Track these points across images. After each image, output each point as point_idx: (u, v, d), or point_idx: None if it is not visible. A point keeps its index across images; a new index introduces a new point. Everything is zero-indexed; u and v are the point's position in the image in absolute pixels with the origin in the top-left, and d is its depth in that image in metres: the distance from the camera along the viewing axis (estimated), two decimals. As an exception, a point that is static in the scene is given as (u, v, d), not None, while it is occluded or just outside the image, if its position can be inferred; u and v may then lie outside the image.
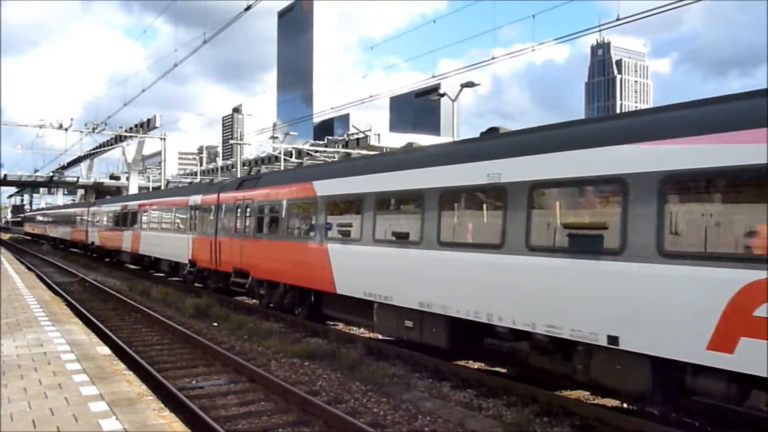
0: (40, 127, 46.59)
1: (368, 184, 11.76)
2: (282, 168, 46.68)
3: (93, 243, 37.41)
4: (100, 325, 13.86)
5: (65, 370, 7.60)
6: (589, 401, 8.68)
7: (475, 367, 10.67)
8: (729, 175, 6.29)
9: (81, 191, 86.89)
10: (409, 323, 10.59)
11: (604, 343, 7.17)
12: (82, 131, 49.37)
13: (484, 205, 9.68)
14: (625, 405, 8.47)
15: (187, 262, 21.78)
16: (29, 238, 74.89)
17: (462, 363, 10.73)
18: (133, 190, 57.42)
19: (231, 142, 58.84)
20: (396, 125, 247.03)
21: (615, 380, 7.43)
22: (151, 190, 61.67)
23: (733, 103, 6.67)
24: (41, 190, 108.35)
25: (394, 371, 10.30)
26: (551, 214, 8.55)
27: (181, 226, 22.91)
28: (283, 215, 15.05)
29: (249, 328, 14.02)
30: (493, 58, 19.29)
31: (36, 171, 73.46)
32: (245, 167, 55.98)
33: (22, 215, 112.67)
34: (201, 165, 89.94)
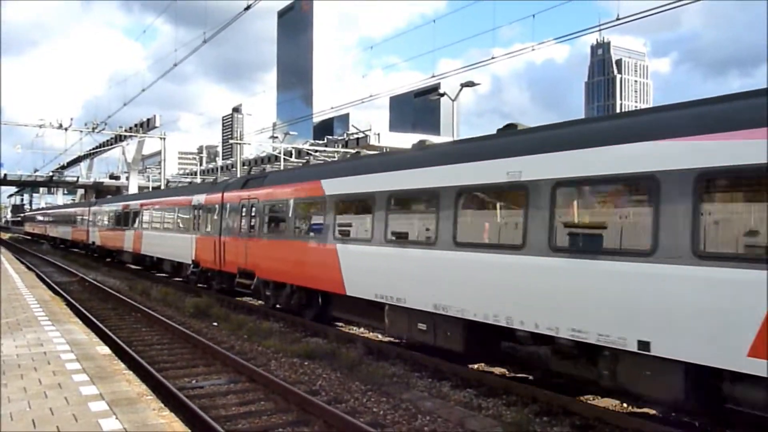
0: (40, 126, 46.60)
1: (380, 183, 11.41)
2: (282, 167, 46.65)
3: (94, 243, 37.15)
4: (100, 325, 13.85)
5: (65, 370, 7.59)
6: (589, 401, 8.68)
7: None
8: None
9: (81, 191, 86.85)
10: (422, 326, 10.25)
11: (633, 348, 6.84)
12: (81, 131, 49.35)
13: (504, 204, 9.42)
14: (625, 405, 8.48)
15: (190, 262, 21.52)
16: (29, 237, 74.88)
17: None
18: (133, 189, 57.41)
19: (231, 141, 58.86)
20: (396, 125, 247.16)
21: (645, 387, 7.09)
22: (151, 189, 61.63)
23: None
24: (41, 189, 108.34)
25: (393, 371, 10.30)
26: (576, 214, 8.26)
27: (184, 225, 22.72)
28: (290, 215, 14.77)
29: (249, 327, 14.01)
30: (492, 58, 19.30)
31: (36, 171, 73.48)
32: (245, 167, 55.95)
33: (22, 215, 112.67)
34: (201, 165, 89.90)
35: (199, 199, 21.07)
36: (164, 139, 52.20)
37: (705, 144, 6.44)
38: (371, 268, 11.49)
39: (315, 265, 13.38)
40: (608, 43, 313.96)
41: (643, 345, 6.76)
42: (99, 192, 70.50)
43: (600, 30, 16.96)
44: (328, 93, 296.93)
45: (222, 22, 20.45)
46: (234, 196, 18.23)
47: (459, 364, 10.13)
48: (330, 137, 69.76)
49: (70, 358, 8.26)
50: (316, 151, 55.66)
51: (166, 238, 24.45)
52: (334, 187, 13.00)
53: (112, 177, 76.46)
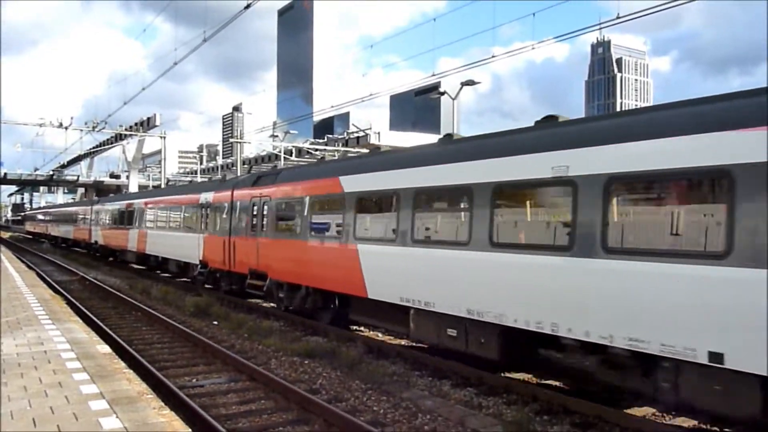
0: (40, 125, 46.54)
1: (405, 179, 10.75)
2: (282, 166, 46.62)
3: (96, 242, 36.75)
4: (101, 324, 13.86)
5: (65, 369, 7.59)
6: (589, 400, 8.67)
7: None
8: None
9: (81, 190, 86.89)
10: (452, 332, 9.62)
11: (704, 360, 6.21)
12: (82, 130, 49.30)
13: (547, 202, 8.79)
14: (624, 404, 8.46)
15: (197, 262, 20.95)
16: (30, 236, 74.92)
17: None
18: (133, 188, 57.40)
19: (231, 140, 58.79)
20: (396, 124, 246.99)
21: (714, 402, 6.46)
22: (151, 188, 61.62)
23: None
24: (41, 188, 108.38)
25: (394, 369, 10.30)
26: (634, 212, 7.63)
27: (191, 225, 22.07)
28: (306, 213, 14.02)
29: (249, 326, 14.02)
30: (493, 57, 19.29)
31: (36, 170, 73.52)
32: (245, 166, 55.95)
33: (22, 214, 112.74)
34: (201, 163, 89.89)
35: (207, 197, 20.50)
36: (164, 137, 52.19)
37: None
38: (396, 269, 10.83)
39: (333, 267, 12.79)
40: (608, 42, 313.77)
41: (715, 357, 6.13)
42: (99, 191, 70.58)
43: (600, 28, 16.92)
44: (329, 92, 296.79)
45: (222, 20, 20.45)
46: (244, 194, 17.65)
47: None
48: (330, 136, 69.74)
49: (71, 357, 8.26)
50: (317, 150, 55.64)
51: (171, 238, 23.89)
52: (354, 184, 12.35)
53: (112, 176, 76.55)
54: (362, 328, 14.11)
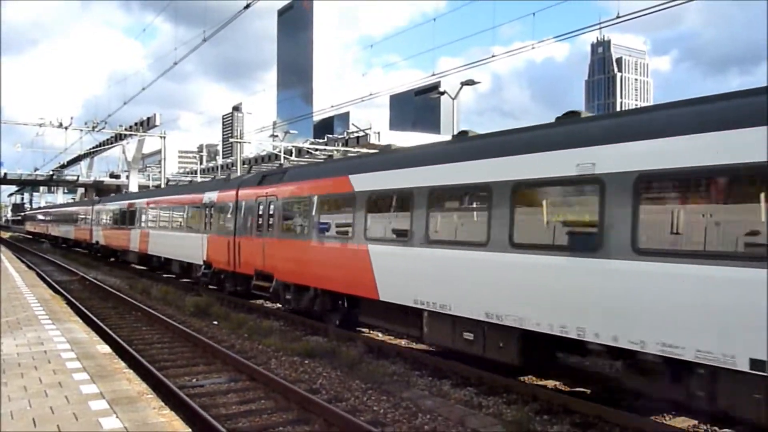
0: (40, 125, 46.53)
1: (419, 178, 10.41)
2: (281, 166, 46.60)
3: (97, 242, 36.47)
4: (101, 324, 13.87)
5: (65, 369, 7.59)
6: (589, 399, 8.67)
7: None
8: None
9: (81, 190, 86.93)
10: (468, 335, 9.33)
11: (745, 368, 5.90)
12: (82, 130, 49.29)
13: (572, 201, 8.45)
14: (624, 403, 8.46)
15: (201, 263, 20.61)
16: (30, 237, 74.93)
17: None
18: (133, 188, 57.38)
19: (231, 140, 58.83)
20: (396, 123, 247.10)
21: (754, 411, 6.13)
22: (151, 188, 61.65)
23: None
24: (41, 188, 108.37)
25: (394, 369, 10.30)
26: (667, 211, 7.13)
27: (194, 224, 21.75)
28: (314, 213, 13.69)
29: (249, 326, 14.02)
30: (493, 56, 19.29)
31: (36, 170, 73.50)
32: (245, 166, 55.96)
33: (22, 214, 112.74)
34: (201, 163, 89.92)
35: (211, 196, 20.15)
36: (164, 137, 52.19)
37: None
38: (409, 271, 10.52)
39: (343, 268, 12.47)
40: (608, 42, 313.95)
41: (757, 364, 5.81)
42: (99, 191, 70.54)
43: (600, 28, 16.92)
44: (328, 91, 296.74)
45: (222, 20, 20.40)
46: (250, 194, 17.33)
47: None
48: (330, 136, 69.79)
49: (71, 357, 8.26)
50: (317, 149, 55.66)
51: (174, 238, 23.54)
52: (364, 182, 12.00)
53: (112, 176, 76.53)
54: (365, 329, 14.09)
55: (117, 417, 5.72)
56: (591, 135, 7.84)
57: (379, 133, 54.08)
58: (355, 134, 55.71)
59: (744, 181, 6.38)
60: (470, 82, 33.59)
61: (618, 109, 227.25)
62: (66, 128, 47.35)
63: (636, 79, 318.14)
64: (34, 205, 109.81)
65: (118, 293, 19.91)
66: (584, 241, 7.61)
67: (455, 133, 13.19)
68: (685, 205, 6.99)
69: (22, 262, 30.14)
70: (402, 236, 10.79)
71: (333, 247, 13.02)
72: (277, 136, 60.18)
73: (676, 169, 6.67)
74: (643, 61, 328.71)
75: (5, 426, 5.43)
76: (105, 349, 9.18)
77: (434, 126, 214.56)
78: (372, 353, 11.53)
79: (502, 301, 8.60)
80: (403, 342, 12.66)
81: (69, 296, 18.14)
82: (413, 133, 70.43)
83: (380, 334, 13.43)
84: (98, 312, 16.35)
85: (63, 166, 76.86)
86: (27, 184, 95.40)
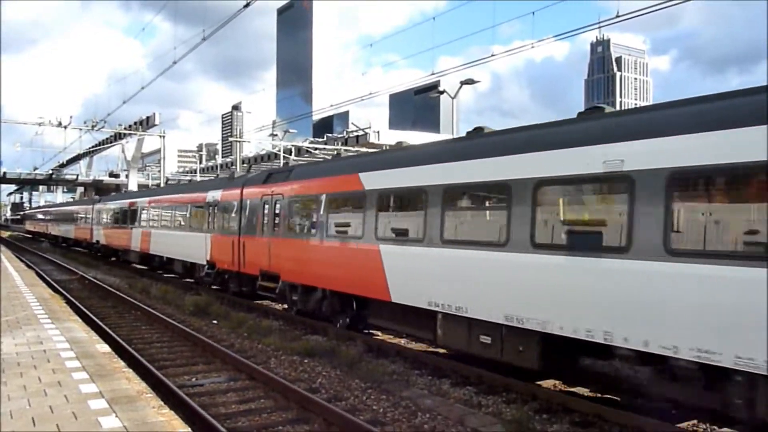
0: (40, 124, 46.54)
1: (434, 176, 10.09)
2: (282, 165, 46.63)
3: (98, 242, 36.28)
4: (100, 323, 13.86)
5: (65, 368, 7.58)
6: (588, 398, 8.67)
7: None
8: None
9: (80, 189, 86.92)
10: (485, 338, 9.00)
11: None
12: (81, 129, 49.32)
13: (598, 199, 8.13)
14: (624, 402, 8.46)
15: (204, 263, 20.28)
16: (29, 236, 74.90)
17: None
18: (133, 187, 57.38)
19: (230, 139, 58.93)
20: (395, 122, 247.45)
21: None
22: (150, 187, 61.64)
23: None
24: (40, 187, 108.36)
25: (393, 368, 10.30)
26: (705, 209, 6.84)
27: (197, 224, 21.45)
28: (322, 212, 13.36)
29: (249, 325, 14.01)
30: (492, 56, 19.29)
31: (35, 169, 73.58)
32: (245, 165, 55.97)
33: (22, 213, 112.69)
34: (200, 162, 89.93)
35: (215, 195, 19.85)
36: (164, 137, 52.26)
37: None
38: (423, 272, 10.19)
39: (353, 268, 12.14)
40: (608, 41, 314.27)
41: None
42: (99, 190, 70.59)
43: (600, 27, 16.93)
44: (328, 91, 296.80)
45: (221, 19, 20.36)
46: (255, 192, 17.01)
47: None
48: (330, 135, 69.85)
49: (70, 356, 8.25)
50: (316, 148, 55.67)
51: (177, 238, 23.24)
52: (375, 180, 11.69)
53: (111, 175, 76.63)
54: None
55: (116, 416, 5.71)
56: (619, 130, 7.53)
57: (378, 132, 54.16)
58: (355, 133, 55.77)
59: None
60: (470, 82, 33.58)
61: (617, 108, 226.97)
62: (65, 127, 47.38)
63: (635, 79, 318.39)
64: (33, 205, 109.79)
65: (118, 292, 19.90)
66: (612, 242, 7.33)
67: (453, 132, 13.23)
68: (723, 204, 6.74)
69: (22, 261, 30.11)
70: (415, 236, 10.50)
71: (342, 246, 12.66)
72: (276, 135, 60.17)
73: (712, 165, 6.35)
74: (642, 60, 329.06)
75: (5, 425, 5.43)
76: (104, 348, 9.17)
77: (434, 125, 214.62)
78: (371, 352, 11.52)
79: (522, 303, 8.29)
80: (402, 341, 12.66)
81: (68, 295, 18.13)
82: (413, 132, 70.45)
83: (380, 334, 13.41)
84: (98, 311, 16.34)
85: (62, 166, 76.91)
86: (26, 183, 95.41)
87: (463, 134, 11.64)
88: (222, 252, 18.82)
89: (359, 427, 7.17)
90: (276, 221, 15.66)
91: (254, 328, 13.70)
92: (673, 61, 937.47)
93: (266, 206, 16.23)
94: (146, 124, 52.37)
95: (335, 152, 49.39)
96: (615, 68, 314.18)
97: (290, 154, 54.55)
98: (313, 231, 13.77)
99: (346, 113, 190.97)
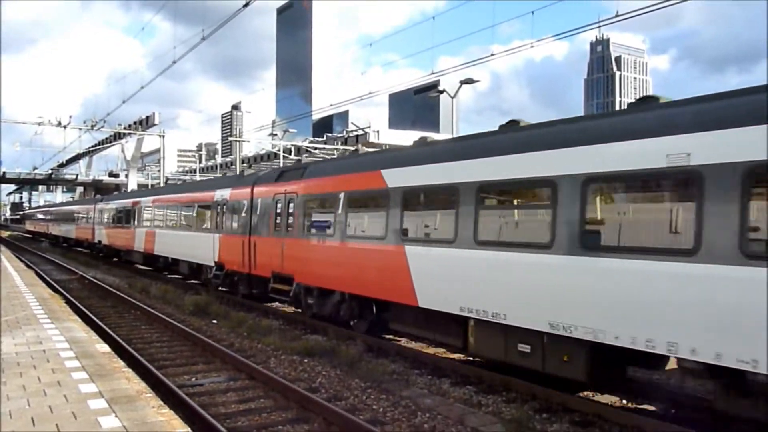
0: (39, 124, 46.50)
1: (466, 172, 9.48)
2: (281, 165, 46.60)
3: (100, 242, 35.90)
4: (100, 323, 13.86)
5: (64, 368, 7.58)
6: (588, 398, 8.67)
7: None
8: None
9: (80, 188, 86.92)
10: (524, 347, 8.44)
11: None
12: (81, 128, 49.25)
13: (660, 196, 7.57)
14: (624, 402, 8.46)
15: (212, 264, 19.71)
16: (29, 236, 74.88)
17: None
18: (132, 187, 57.37)
19: (230, 139, 58.78)
20: (395, 122, 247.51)
21: None
22: (150, 187, 61.62)
23: None
24: (40, 187, 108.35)
25: (393, 368, 10.30)
26: None
27: (205, 223, 20.88)
28: (340, 211, 12.73)
29: (248, 325, 14.02)
30: (492, 55, 19.29)
31: (35, 168, 73.55)
32: (244, 164, 55.95)
33: (21, 212, 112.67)
34: (200, 162, 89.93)
35: (223, 194, 19.28)
36: (163, 136, 52.18)
37: None
38: (454, 275, 9.57)
39: (375, 271, 11.57)
40: (607, 40, 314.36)
41: None
42: (98, 190, 70.59)
43: (599, 27, 16.91)
44: (328, 90, 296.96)
45: (221, 19, 20.36)
46: (267, 191, 16.43)
47: (458, 360, 9.62)
48: (329, 134, 69.83)
49: (70, 356, 8.25)
50: (315, 148, 55.66)
51: (183, 238, 22.63)
52: (399, 178, 11.11)
53: (111, 174, 76.63)
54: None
55: (116, 416, 5.71)
56: (684, 121, 6.83)
57: (378, 131, 54.12)
58: (355, 133, 55.73)
59: None
60: (469, 81, 33.56)
61: (617, 108, 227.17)
62: (65, 127, 47.34)
63: (635, 78, 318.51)
64: (33, 204, 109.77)
65: (118, 292, 19.90)
66: (677, 244, 6.73)
67: (453, 132, 13.11)
68: None
69: (21, 261, 30.11)
70: (445, 236, 9.90)
71: (363, 248, 12.04)
72: (276, 134, 60.14)
73: None
74: (641, 59, 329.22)
75: (4, 425, 5.43)
76: (104, 348, 9.16)
77: (434, 125, 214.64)
78: (371, 352, 11.52)
79: (570, 310, 7.65)
80: (402, 341, 12.65)
81: (68, 295, 18.13)
82: (413, 132, 70.43)
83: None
84: (97, 311, 16.34)
85: (62, 165, 76.90)
86: (26, 183, 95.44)
87: (462, 134, 11.47)
88: (231, 253, 18.30)
89: (359, 427, 7.17)
90: (290, 221, 15.13)
91: (254, 328, 13.70)
92: (673, 60, 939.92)
93: (279, 205, 15.72)
94: (146, 123, 52.32)
95: (340, 152, 49.39)
96: (614, 67, 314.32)
97: (290, 154, 54.55)
98: (331, 231, 13.16)
99: (346, 113, 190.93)
